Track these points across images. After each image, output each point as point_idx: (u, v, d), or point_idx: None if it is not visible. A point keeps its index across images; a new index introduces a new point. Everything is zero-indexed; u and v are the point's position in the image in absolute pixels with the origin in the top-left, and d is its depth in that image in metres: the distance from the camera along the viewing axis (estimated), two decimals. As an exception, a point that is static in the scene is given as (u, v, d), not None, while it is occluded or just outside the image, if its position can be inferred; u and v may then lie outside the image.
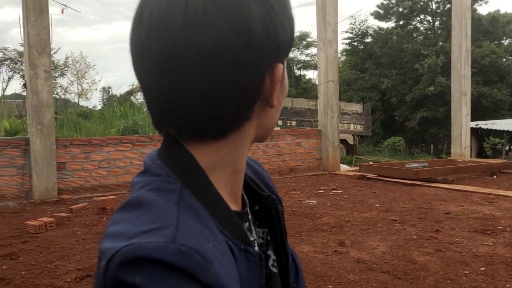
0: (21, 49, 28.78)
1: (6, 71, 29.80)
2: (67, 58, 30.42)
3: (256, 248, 0.68)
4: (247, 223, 0.68)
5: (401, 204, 6.50)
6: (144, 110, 18.95)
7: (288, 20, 0.60)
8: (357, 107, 21.34)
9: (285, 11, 0.60)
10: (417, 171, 8.15)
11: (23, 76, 29.64)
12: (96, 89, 33.94)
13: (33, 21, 7.24)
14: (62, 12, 7.92)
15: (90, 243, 4.81)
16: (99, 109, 26.55)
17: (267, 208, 0.74)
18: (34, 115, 7.29)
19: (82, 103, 31.80)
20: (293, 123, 18.98)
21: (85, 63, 32.16)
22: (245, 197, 0.71)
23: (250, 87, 0.58)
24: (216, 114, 0.58)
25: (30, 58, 7.27)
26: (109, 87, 34.17)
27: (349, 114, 21.04)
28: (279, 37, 0.58)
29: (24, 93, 28.16)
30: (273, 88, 0.60)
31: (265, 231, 0.74)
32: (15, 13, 50.86)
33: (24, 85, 7.66)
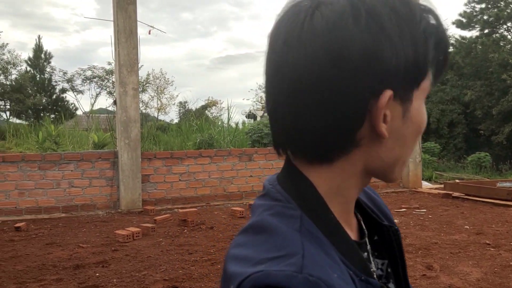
0: (108, 67, 31.07)
1: (94, 87, 32.30)
2: (148, 75, 32.28)
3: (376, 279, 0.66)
4: (366, 253, 0.66)
5: (494, 226, 6.01)
6: (219, 123, 19.50)
7: (406, 43, 0.56)
8: None
9: (404, 33, 0.56)
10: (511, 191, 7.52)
11: (109, 93, 31.91)
12: (174, 104, 35.60)
13: (124, 42, 7.76)
14: (149, 33, 8.41)
15: (174, 254, 4.98)
16: (176, 122, 27.74)
17: (388, 238, 0.71)
18: (123, 130, 7.77)
19: (161, 117, 33.48)
20: None
21: (165, 79, 33.92)
22: (363, 226, 0.69)
23: (348, 112, 0.56)
24: (318, 137, 0.58)
25: (120, 76, 7.78)
26: (185, 102, 35.65)
27: None
28: (384, 61, 0.55)
29: (110, 108, 30.26)
30: (377, 116, 0.57)
31: (385, 262, 0.71)
32: (103, 33, 55.12)
33: (114, 102, 8.18)
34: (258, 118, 20.50)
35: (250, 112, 23.09)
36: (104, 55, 60.79)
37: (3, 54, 25.30)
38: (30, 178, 7.29)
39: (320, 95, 0.56)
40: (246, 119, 21.47)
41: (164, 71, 38.99)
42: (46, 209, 7.36)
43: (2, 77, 25.25)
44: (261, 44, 65.61)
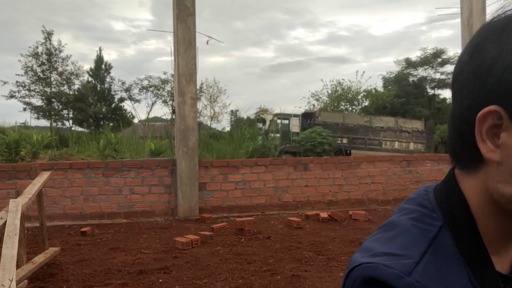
0: (163, 76, 32.11)
1: (150, 96, 33.46)
2: (202, 84, 33.04)
3: None
4: None
5: None
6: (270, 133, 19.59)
7: None
8: (418, 124, 19.97)
9: None
10: None
11: (164, 101, 32.92)
12: (226, 112, 36.30)
13: (183, 53, 7.96)
14: (207, 43, 8.56)
15: (233, 263, 4.97)
16: (228, 131, 28.13)
17: None
18: (181, 139, 7.94)
19: (213, 125, 34.12)
20: (344, 141, 18.05)
21: (217, 88, 34.59)
22: None
23: (461, 120, 0.55)
24: (451, 139, 0.58)
25: (179, 86, 7.96)
26: (237, 110, 36.15)
27: (409, 132, 19.60)
28: (499, 75, 0.50)
29: (165, 117, 31.13)
30: (477, 131, 0.52)
31: None
32: (158, 44, 57.05)
33: (173, 111, 8.39)
34: (267, 123, 20.17)
35: (259, 116, 22.72)
36: (159, 64, 62.84)
37: (67, 65, 26.79)
38: (95, 184, 7.60)
39: (452, 100, 0.58)
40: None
41: (217, 80, 39.83)
42: (109, 215, 7.64)
43: (66, 87, 26.71)
44: (313, 52, 65.36)
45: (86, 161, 7.98)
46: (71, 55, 27.01)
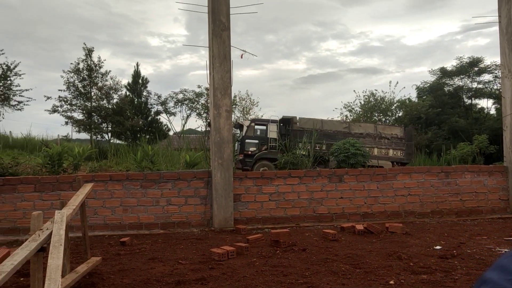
0: (197, 90, 32.68)
1: (185, 109, 34.08)
2: (235, 96, 33.40)
3: None
4: None
5: None
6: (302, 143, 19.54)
7: None
8: (397, 131, 19.21)
9: None
10: None
11: (199, 114, 33.44)
12: (258, 124, 36.56)
13: (218, 66, 8.12)
14: (242, 57, 8.70)
15: (269, 275, 4.98)
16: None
17: None
18: (216, 150, 8.06)
19: (247, 137, 34.31)
20: (324, 147, 17.58)
21: (250, 101, 34.88)
22: None
23: None
24: None
25: (215, 99, 8.11)
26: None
27: (388, 139, 18.86)
28: None
29: (199, 129, 31.53)
30: None
31: None
32: (192, 58, 58.27)
33: (209, 124, 8.53)
34: (245, 129, 19.80)
35: (236, 122, 22.41)
36: (193, 78, 64.19)
37: (106, 80, 27.70)
38: (133, 196, 7.81)
39: None
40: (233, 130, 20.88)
41: (250, 93, 40.15)
42: (147, 225, 7.82)
43: (105, 101, 27.59)
44: (345, 63, 64.80)
45: (125, 173, 8.21)
46: (110, 71, 27.89)
